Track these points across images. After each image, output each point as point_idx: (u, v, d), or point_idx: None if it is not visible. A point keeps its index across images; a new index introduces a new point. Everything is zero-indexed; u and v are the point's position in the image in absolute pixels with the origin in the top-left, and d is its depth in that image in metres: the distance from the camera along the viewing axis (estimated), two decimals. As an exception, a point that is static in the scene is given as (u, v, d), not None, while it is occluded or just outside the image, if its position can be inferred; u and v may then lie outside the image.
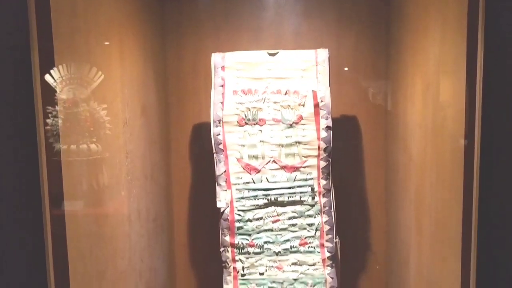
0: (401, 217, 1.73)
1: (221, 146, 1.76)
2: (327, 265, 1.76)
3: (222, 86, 1.75)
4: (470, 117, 1.09)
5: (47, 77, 1.03)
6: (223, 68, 1.75)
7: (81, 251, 1.17)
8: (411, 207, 1.57)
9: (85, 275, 1.18)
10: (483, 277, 1.05)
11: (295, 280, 1.77)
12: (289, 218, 1.76)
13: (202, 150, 2.10)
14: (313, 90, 1.71)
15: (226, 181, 1.76)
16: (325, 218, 1.75)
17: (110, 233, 1.37)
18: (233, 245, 1.78)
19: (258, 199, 1.76)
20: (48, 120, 1.02)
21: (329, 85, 1.72)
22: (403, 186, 1.68)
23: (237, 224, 1.76)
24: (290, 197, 1.75)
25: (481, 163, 1.07)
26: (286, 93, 1.73)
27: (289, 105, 1.73)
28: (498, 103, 1.09)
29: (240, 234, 1.77)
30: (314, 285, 1.76)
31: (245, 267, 1.79)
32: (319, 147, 1.72)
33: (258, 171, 1.76)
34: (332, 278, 1.75)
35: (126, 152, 1.51)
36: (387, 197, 1.98)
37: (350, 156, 2.06)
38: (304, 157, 1.74)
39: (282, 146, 1.74)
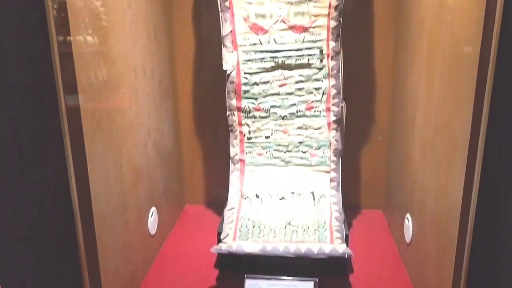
0: (409, 79, 1.71)
1: (227, 4, 1.67)
2: (332, 129, 1.77)
3: None
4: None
5: None
6: None
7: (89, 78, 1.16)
8: (421, 62, 1.54)
9: (95, 113, 1.18)
10: (495, 119, 1.06)
11: (300, 143, 1.79)
12: (296, 82, 1.74)
13: (207, 10, 2.00)
14: None
15: (232, 42, 1.70)
16: (332, 81, 1.72)
17: (116, 79, 1.34)
18: (239, 109, 1.77)
19: (265, 61, 1.72)
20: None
21: None
22: (414, 43, 1.63)
23: (244, 88, 1.74)
24: (298, 60, 1.71)
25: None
26: None
27: (299, -44, 1.61)
28: None
29: (246, 98, 1.76)
30: (318, 148, 1.79)
31: (251, 131, 1.81)
32: (330, 5, 1.64)
33: (266, 32, 1.69)
34: (336, 141, 1.77)
35: (128, 1, 1.43)
36: (396, 61, 1.94)
37: (360, 17, 1.97)
38: (314, 16, 1.66)
39: (291, 3, 1.65)
